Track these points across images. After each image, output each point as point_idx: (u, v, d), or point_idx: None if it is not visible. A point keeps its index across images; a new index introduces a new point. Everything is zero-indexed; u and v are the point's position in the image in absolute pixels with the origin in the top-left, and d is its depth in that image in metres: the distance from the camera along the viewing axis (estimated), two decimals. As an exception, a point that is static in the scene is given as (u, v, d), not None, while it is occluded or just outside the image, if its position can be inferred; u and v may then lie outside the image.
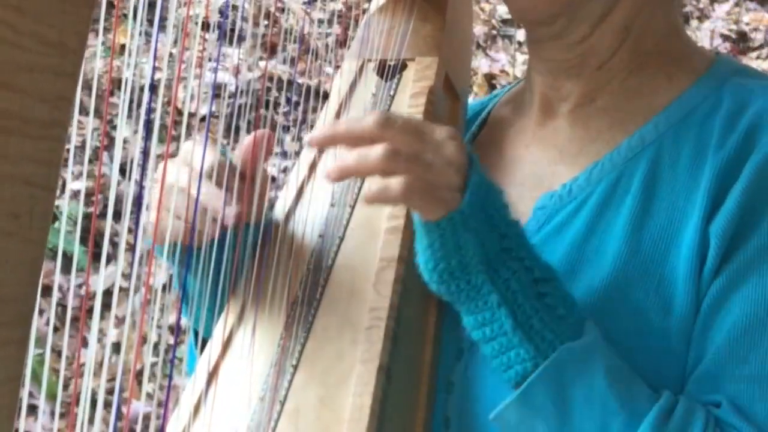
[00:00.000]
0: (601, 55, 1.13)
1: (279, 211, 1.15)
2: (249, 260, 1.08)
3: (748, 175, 1.01)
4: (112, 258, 2.84)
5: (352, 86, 1.24)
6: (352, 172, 0.96)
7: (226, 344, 1.05)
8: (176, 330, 1.02)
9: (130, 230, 1.02)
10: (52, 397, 1.83)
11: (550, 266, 1.00)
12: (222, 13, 1.14)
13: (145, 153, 0.86)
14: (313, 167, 1.18)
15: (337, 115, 1.22)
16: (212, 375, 1.03)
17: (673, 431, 0.96)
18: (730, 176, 1.02)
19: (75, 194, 3.18)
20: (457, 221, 0.96)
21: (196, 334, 1.16)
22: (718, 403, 0.99)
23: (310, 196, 1.15)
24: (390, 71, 1.23)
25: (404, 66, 1.23)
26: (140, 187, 0.95)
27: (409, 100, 1.18)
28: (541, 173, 1.15)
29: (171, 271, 1.11)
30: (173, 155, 1.08)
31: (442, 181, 0.96)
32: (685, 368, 1.02)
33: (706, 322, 1.01)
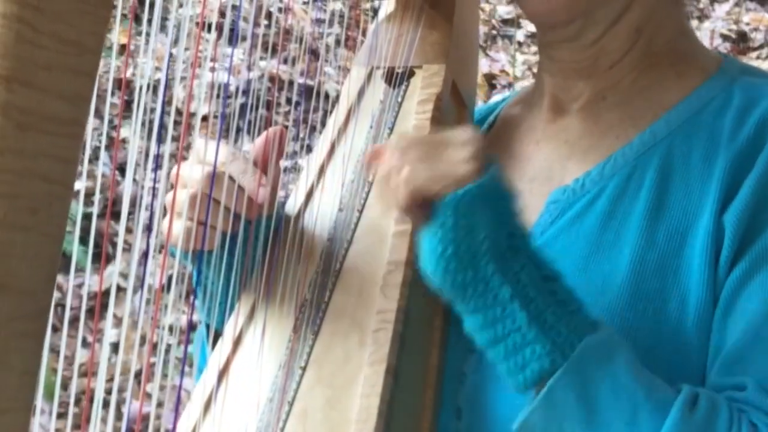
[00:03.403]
0: (612, 56, 1.14)
1: (289, 213, 1.16)
2: (260, 256, 1.08)
3: (762, 165, 1.02)
4: (112, 258, 2.84)
5: (361, 93, 1.25)
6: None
7: (236, 345, 1.06)
8: (179, 329, 1.03)
9: (129, 230, 1.02)
10: (50, 396, 1.85)
11: (557, 268, 0.97)
12: (222, 13, 1.15)
13: (145, 152, 0.86)
14: (321, 171, 1.19)
15: (346, 121, 1.23)
16: (222, 375, 1.04)
17: (700, 418, 0.93)
18: (744, 167, 1.03)
19: (75, 194, 3.18)
20: (474, 194, 0.93)
21: (207, 328, 1.16)
22: (744, 386, 0.97)
23: (319, 200, 1.15)
24: (398, 78, 1.23)
25: (412, 73, 1.24)
26: (140, 187, 0.95)
27: (417, 107, 1.19)
28: (552, 168, 1.16)
29: (183, 266, 1.12)
30: (173, 155, 1.08)
31: (455, 173, 0.95)
32: (700, 363, 1.01)
33: (726, 310, 1.00)
